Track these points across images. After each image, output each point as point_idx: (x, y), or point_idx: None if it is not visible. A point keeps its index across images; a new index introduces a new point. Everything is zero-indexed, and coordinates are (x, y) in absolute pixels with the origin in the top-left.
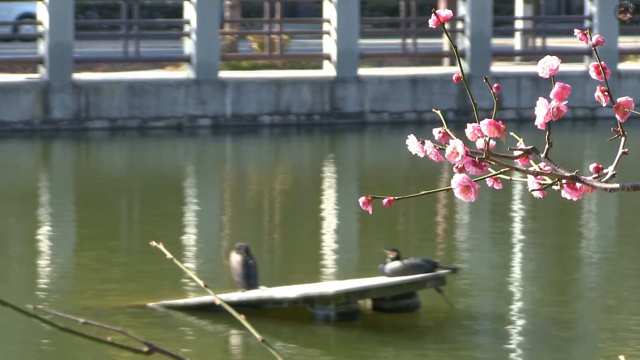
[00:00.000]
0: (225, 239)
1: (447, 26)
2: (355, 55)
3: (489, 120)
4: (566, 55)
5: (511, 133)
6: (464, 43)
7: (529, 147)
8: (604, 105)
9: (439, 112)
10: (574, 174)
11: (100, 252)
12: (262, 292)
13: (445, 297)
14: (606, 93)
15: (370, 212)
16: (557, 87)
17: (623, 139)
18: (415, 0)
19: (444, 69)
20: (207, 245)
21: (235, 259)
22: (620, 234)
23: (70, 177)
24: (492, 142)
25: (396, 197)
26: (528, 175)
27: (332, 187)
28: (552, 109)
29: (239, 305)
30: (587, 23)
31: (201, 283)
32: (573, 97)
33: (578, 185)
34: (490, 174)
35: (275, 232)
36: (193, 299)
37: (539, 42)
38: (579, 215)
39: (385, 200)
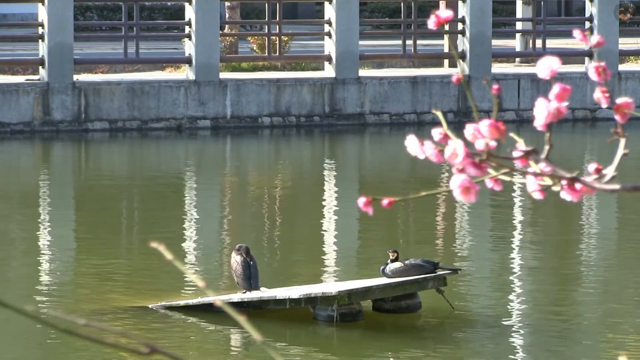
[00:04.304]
0: (225, 240)
1: (447, 27)
2: (355, 57)
3: (489, 121)
4: (566, 56)
5: (511, 134)
6: (464, 44)
7: (530, 149)
8: (604, 106)
9: (439, 113)
10: (575, 175)
11: (101, 253)
12: (263, 293)
13: (446, 298)
14: (606, 94)
15: (371, 213)
16: (557, 88)
17: (623, 140)
18: (415, 2)
19: (444, 70)
20: (207, 247)
21: (236, 259)
22: (621, 234)
23: (70, 179)
24: (493, 143)
25: (396, 198)
26: (528, 176)
27: (332, 189)
28: (553, 110)
29: (240, 306)
30: (587, 24)
31: (202, 284)
32: (573, 99)
33: (578, 186)
34: (490, 175)
35: (276, 233)
36: (194, 300)
37: (539, 43)
38: (579, 216)
39: (385, 202)
